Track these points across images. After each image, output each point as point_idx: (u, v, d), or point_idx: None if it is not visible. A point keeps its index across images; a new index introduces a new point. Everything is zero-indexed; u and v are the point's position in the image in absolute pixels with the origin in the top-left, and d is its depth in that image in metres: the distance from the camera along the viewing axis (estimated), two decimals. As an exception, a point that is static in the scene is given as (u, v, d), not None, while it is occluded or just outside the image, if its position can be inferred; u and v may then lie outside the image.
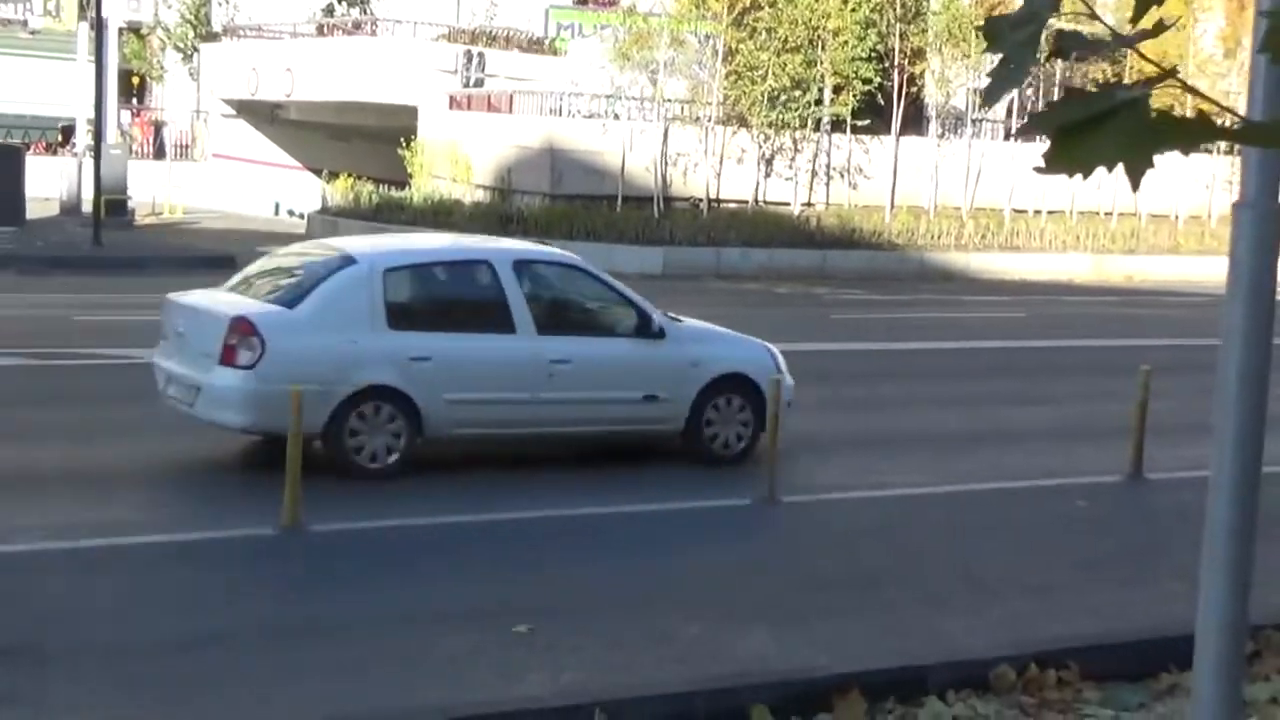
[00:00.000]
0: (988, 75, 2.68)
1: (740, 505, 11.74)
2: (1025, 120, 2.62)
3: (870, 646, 8.33)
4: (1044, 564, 10.37)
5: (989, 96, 2.70)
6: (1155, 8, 2.68)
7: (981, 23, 2.70)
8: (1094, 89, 2.56)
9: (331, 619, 8.57)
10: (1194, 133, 2.60)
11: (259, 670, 7.67)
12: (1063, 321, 28.25)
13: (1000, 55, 2.64)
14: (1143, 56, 3.16)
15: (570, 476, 12.94)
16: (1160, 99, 2.75)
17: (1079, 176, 2.51)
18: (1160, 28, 2.76)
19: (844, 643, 8.37)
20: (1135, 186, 2.56)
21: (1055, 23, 2.71)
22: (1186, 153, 2.61)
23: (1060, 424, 16.38)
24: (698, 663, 7.98)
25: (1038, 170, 2.57)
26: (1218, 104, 3.16)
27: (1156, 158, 2.54)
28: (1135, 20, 2.74)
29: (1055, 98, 2.62)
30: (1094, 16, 2.76)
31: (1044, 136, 2.53)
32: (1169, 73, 2.88)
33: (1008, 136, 40.97)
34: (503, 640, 8.22)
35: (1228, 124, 2.72)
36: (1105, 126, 2.53)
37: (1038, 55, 2.63)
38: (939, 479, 13.17)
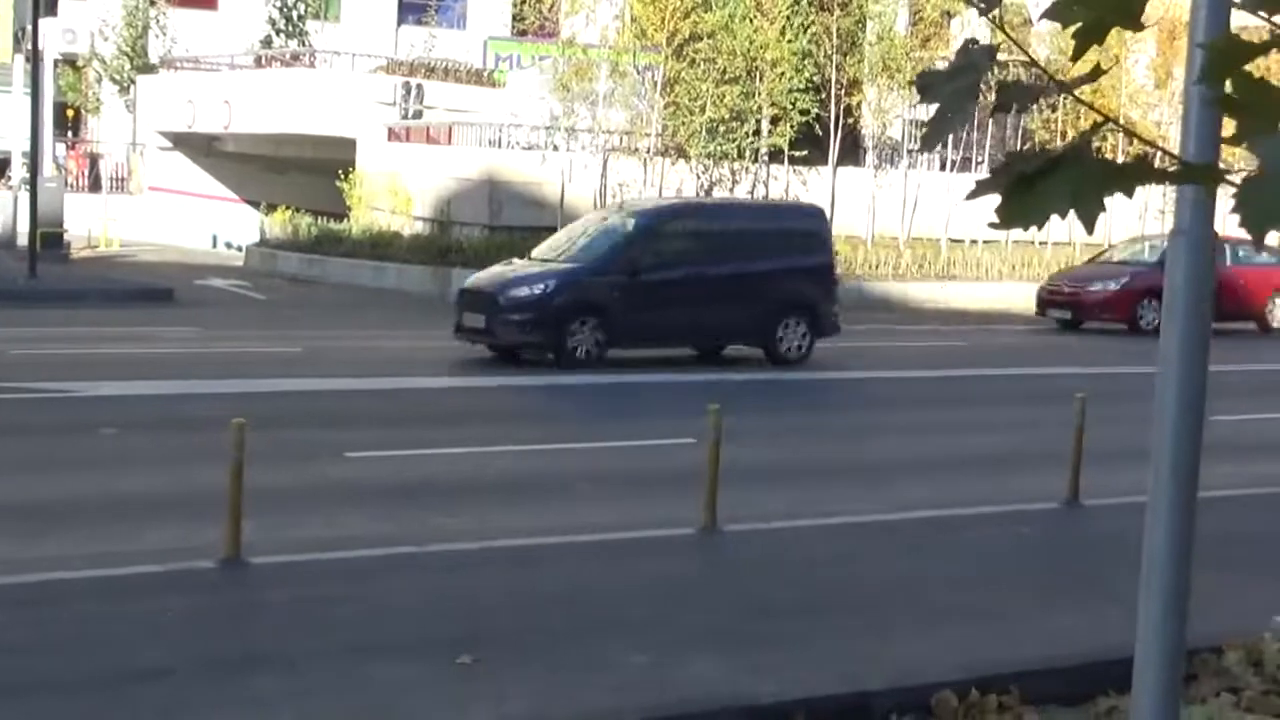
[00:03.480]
0: (924, 124, 2.73)
1: (682, 534, 11.76)
2: (975, 186, 2.66)
3: (815, 673, 8.36)
4: (985, 590, 10.43)
5: (927, 142, 2.75)
6: (1096, 48, 2.74)
7: (917, 75, 2.76)
8: (1037, 132, 2.65)
9: (272, 652, 8.54)
10: (1135, 177, 2.66)
11: (199, 703, 7.64)
12: (1000, 351, 28.45)
13: (937, 104, 2.69)
14: (1081, 102, 3.21)
15: (508, 507, 12.96)
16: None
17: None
18: (1098, 72, 2.81)
19: (788, 670, 8.40)
20: (1090, 230, 2.62)
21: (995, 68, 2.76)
22: (1130, 195, 2.67)
23: (999, 452, 16.51)
24: (642, 691, 8.00)
25: (992, 226, 2.62)
26: (1155, 145, 3.24)
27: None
28: (1075, 59, 2.79)
29: (1001, 156, 2.68)
30: (1034, 64, 2.81)
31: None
32: (1108, 119, 2.94)
33: (943, 167, 41.29)
34: (446, 671, 8.21)
35: (1165, 165, 2.77)
36: (1053, 177, 2.58)
37: (977, 103, 2.68)
38: (880, 507, 13.23)
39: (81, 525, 11.68)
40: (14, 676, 7.98)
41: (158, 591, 9.71)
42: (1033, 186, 2.58)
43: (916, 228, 39.61)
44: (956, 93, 2.66)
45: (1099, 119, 2.93)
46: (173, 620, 9.15)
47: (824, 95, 38.23)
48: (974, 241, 39.80)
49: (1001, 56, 2.74)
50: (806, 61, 37.85)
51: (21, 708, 7.50)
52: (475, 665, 8.30)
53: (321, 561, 10.68)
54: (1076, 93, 2.88)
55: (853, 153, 40.87)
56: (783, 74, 37.34)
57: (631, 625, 9.28)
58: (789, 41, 37.34)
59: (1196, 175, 2.88)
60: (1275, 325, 33.37)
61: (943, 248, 39.24)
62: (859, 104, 39.96)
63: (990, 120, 42.33)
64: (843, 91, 38.52)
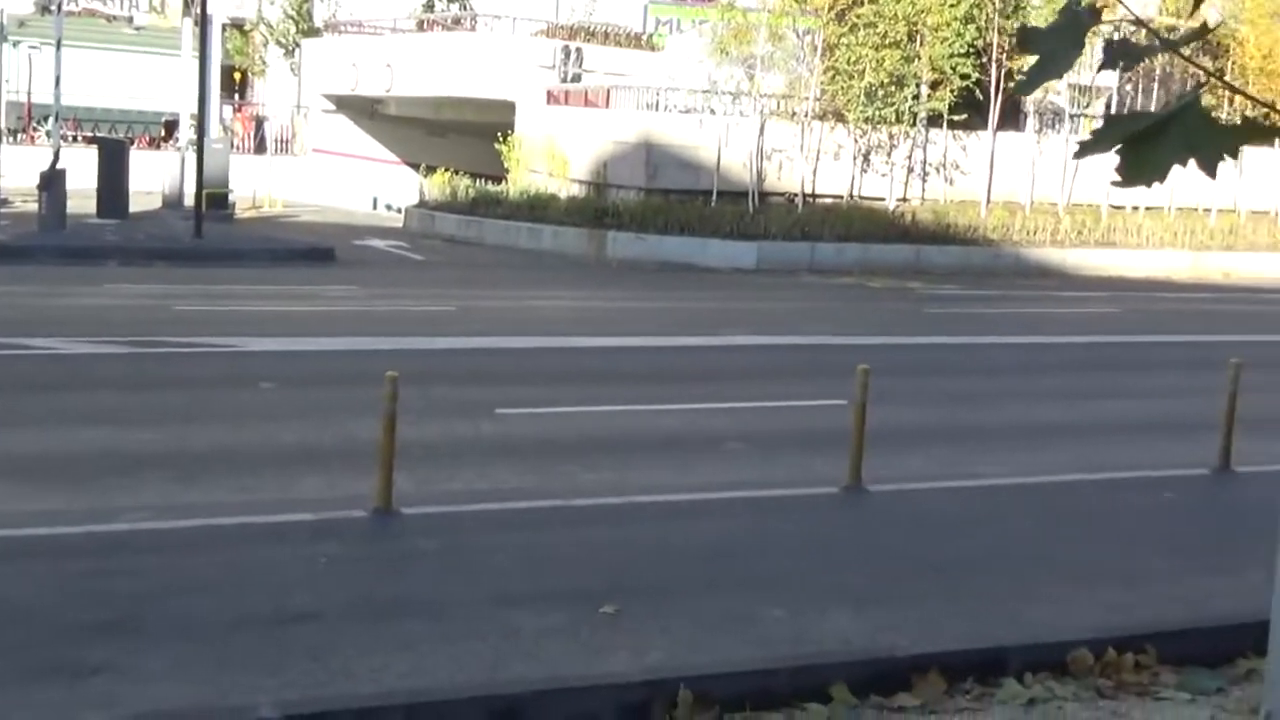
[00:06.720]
0: (1021, 74, 2.84)
1: (828, 493, 11.83)
2: (1079, 146, 2.74)
3: (952, 629, 8.40)
4: (1129, 553, 10.39)
5: (1023, 88, 2.85)
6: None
7: (1017, 29, 2.85)
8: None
9: (420, 600, 8.73)
10: (1242, 136, 2.71)
11: (347, 646, 7.83)
12: (1158, 317, 28.13)
13: (1037, 57, 2.77)
14: (1189, 61, 3.25)
15: (655, 463, 13.09)
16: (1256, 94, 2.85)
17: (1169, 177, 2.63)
18: (1204, 30, 2.85)
19: (926, 626, 8.45)
20: (1212, 175, 2.67)
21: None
22: (1235, 149, 2.70)
23: (1151, 418, 16.37)
24: (781, 643, 8.09)
25: (1115, 184, 2.68)
26: (1265, 104, 3.25)
27: (1255, 155, 2.66)
28: (1193, 14, 2.85)
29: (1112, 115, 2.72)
30: (1140, 24, 2.85)
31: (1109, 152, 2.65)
32: (1213, 75, 2.99)
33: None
34: (589, 620, 8.36)
35: (1273, 124, 2.81)
36: (1168, 133, 2.64)
37: (1079, 53, 2.74)
38: (1027, 470, 13.19)
39: (238, 474, 11.99)
40: (169, 617, 8.24)
41: (311, 539, 9.95)
42: (1147, 142, 2.65)
43: (1077, 194, 39.11)
44: (1060, 45, 2.74)
45: (1209, 76, 2.98)
46: (325, 566, 9.38)
47: (985, 59, 37.82)
48: (1135, 208, 39.27)
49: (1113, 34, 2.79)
50: (968, 26, 37.48)
51: (174, 647, 7.74)
52: (618, 615, 8.44)
53: (471, 513, 10.89)
54: (1184, 54, 2.91)
55: (1013, 117, 40.41)
56: (944, 38, 37.02)
57: (772, 580, 9.37)
58: (951, 6, 37.00)
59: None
60: None
61: (1103, 214, 38.75)
62: (1020, 69, 39.48)
63: (1157, 85, 41.71)
64: (1004, 56, 38.09)
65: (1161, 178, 2.66)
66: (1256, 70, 38.62)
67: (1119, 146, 2.70)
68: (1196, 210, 39.97)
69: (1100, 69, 2.84)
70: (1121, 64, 2.78)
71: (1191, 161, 2.65)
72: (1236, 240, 39.44)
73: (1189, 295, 32.74)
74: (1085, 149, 2.74)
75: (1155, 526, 11.35)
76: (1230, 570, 9.85)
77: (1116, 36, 2.83)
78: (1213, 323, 27.40)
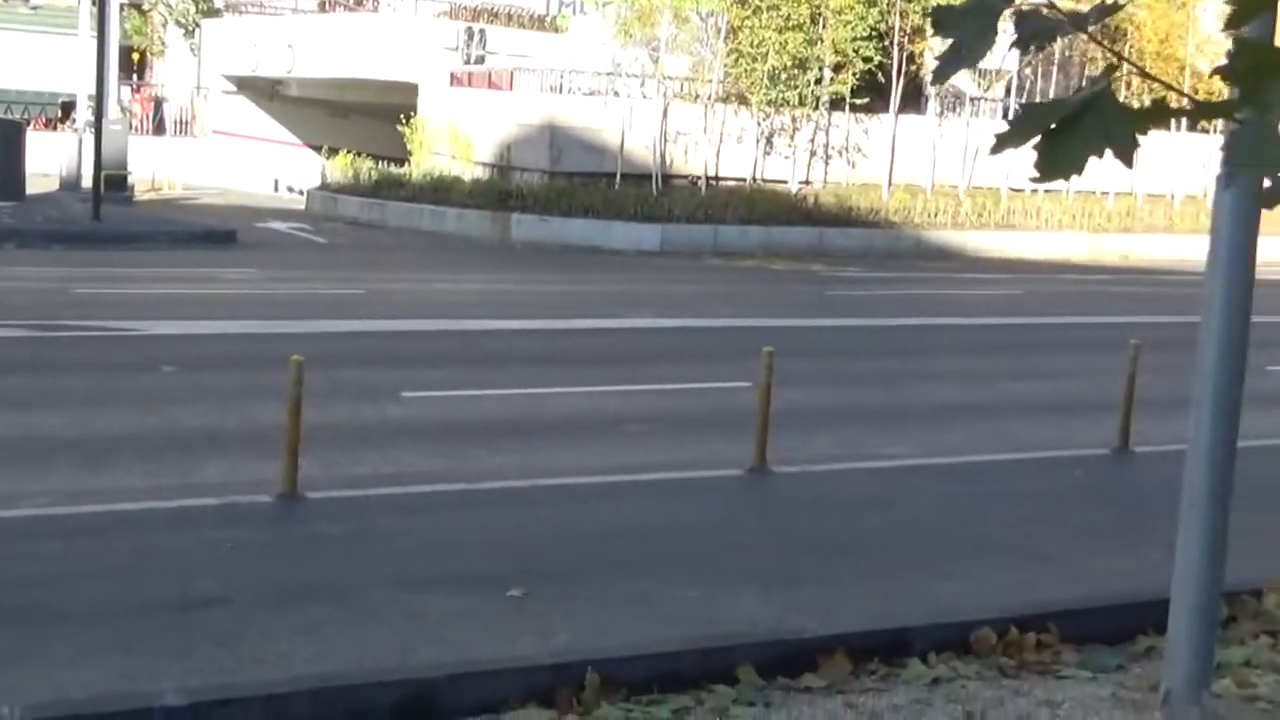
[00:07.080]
0: (936, 58, 2.82)
1: (733, 475, 11.89)
2: (995, 140, 2.74)
3: (857, 610, 8.47)
4: (1030, 533, 10.51)
5: (939, 76, 2.83)
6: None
7: (932, 10, 2.83)
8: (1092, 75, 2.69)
9: (326, 584, 8.70)
10: (1154, 117, 2.74)
11: (253, 632, 7.81)
12: (1058, 299, 28.42)
13: (950, 40, 2.77)
14: (1097, 42, 3.29)
15: (560, 446, 13.10)
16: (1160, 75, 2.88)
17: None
18: (1114, 8, 2.88)
19: (832, 607, 8.52)
20: (1129, 165, 2.69)
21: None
22: (1145, 131, 2.73)
23: (1052, 398, 16.55)
24: (688, 625, 8.12)
25: (1034, 180, 2.70)
26: (1170, 86, 3.30)
27: (1150, 138, 2.67)
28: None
29: (1021, 108, 2.73)
30: (1051, 5, 2.87)
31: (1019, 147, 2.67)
32: (1124, 60, 3.02)
33: (1005, 116, 41.02)
34: (495, 604, 8.37)
35: (1182, 104, 2.84)
36: (1081, 124, 2.66)
37: (994, 40, 2.74)
38: (931, 451, 13.31)
39: (141, 459, 11.89)
40: (75, 602, 8.17)
41: (215, 524, 9.89)
42: (1063, 134, 2.67)
43: (977, 177, 39.42)
44: (971, 30, 2.74)
45: (1117, 60, 3.01)
46: (230, 552, 9.33)
47: (887, 43, 38.03)
48: (1034, 190, 39.62)
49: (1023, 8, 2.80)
50: (870, 9, 37.67)
51: (81, 633, 7.69)
52: (525, 598, 8.45)
53: (376, 497, 10.86)
54: (1095, 36, 2.94)
55: (915, 101, 40.67)
56: (846, 21, 37.20)
57: (679, 562, 9.41)
58: (853, -12, 37.19)
59: (1209, 113, 2.96)
60: None
61: (1003, 197, 39.08)
62: (922, 52, 39.75)
63: (1056, 70, 42.10)
64: (906, 39, 38.30)
65: (1079, 170, 2.67)
66: (1154, 54, 39.06)
67: (1036, 140, 2.71)
68: (1094, 193, 40.38)
69: (1011, 47, 2.84)
70: (1033, 43, 2.78)
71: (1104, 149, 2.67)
72: (1134, 223, 39.91)
73: (1088, 277, 33.11)
74: (1002, 142, 2.74)
75: (1056, 506, 11.48)
76: (1129, 550, 10.00)
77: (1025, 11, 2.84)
78: (1111, 304, 27.73)
